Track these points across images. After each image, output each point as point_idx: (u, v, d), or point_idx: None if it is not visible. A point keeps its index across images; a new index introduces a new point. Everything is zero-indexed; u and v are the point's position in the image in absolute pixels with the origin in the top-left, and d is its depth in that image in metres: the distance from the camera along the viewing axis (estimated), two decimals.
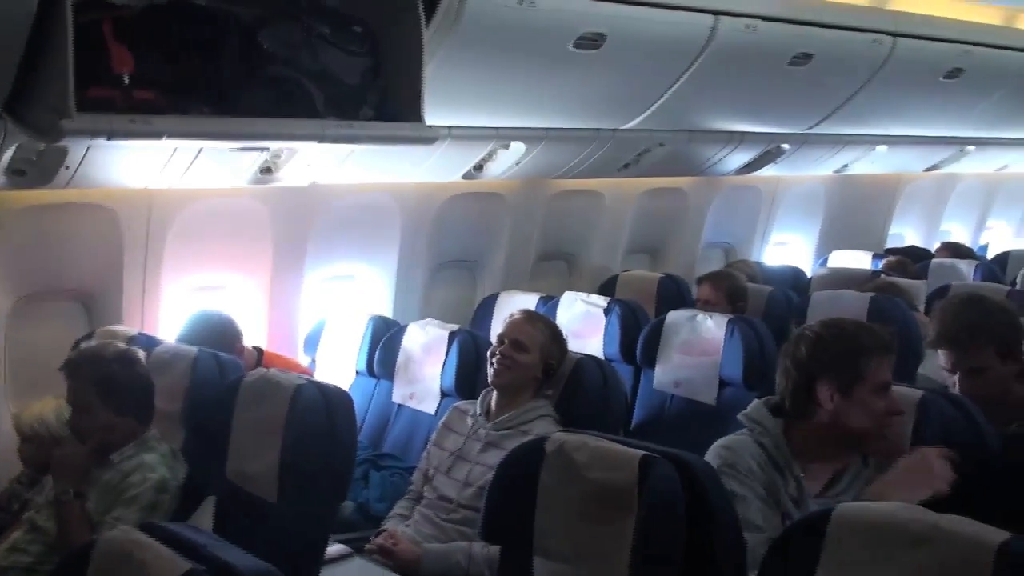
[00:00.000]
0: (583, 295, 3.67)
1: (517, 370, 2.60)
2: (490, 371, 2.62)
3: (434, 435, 2.72)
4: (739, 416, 2.04)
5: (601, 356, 3.30)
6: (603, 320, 3.53)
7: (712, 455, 1.97)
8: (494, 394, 2.65)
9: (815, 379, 1.98)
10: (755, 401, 2.06)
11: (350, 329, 3.46)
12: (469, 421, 2.64)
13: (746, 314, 3.61)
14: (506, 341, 2.63)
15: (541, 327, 2.67)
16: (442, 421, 2.73)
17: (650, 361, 3.32)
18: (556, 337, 2.69)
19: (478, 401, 2.67)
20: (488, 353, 2.68)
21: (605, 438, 1.76)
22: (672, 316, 3.33)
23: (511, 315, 2.73)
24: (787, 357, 2.03)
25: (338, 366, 3.47)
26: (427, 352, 3.16)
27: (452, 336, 3.12)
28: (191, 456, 2.40)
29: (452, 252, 4.01)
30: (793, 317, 3.50)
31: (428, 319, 3.30)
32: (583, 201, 4.36)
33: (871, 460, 2.02)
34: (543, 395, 2.64)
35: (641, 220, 4.72)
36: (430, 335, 3.18)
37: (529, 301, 3.78)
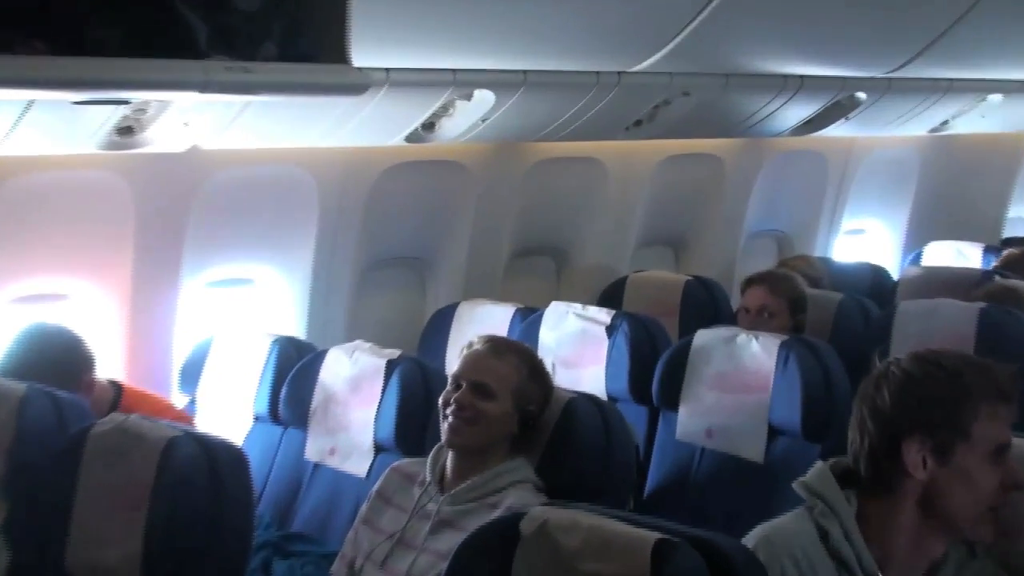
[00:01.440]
0: (577, 307, 3.64)
1: (481, 425, 2.55)
2: (444, 426, 2.58)
3: (364, 509, 2.68)
4: (795, 486, 1.99)
5: (603, 394, 3.26)
6: (605, 342, 3.49)
7: (752, 545, 1.90)
8: (450, 454, 2.61)
9: (901, 437, 1.93)
10: (818, 465, 2.02)
11: (246, 356, 3.45)
12: (415, 491, 2.61)
13: (805, 333, 3.65)
14: (464, 384, 2.59)
15: (514, 361, 2.61)
16: (376, 489, 2.70)
17: (671, 401, 3.29)
18: (536, 374, 2.64)
19: (428, 461, 2.63)
20: (440, 400, 2.62)
21: (606, 514, 1.75)
22: (703, 337, 3.28)
23: (470, 345, 2.66)
24: (864, 403, 1.99)
25: (228, 409, 3.45)
26: (355, 389, 3.12)
27: (391, 366, 3.06)
28: (16, 538, 2.33)
29: (392, 246, 3.98)
30: (872, 337, 3.49)
31: (357, 342, 3.25)
32: (577, 173, 4.34)
33: (980, 547, 2.00)
34: (519, 453, 2.60)
35: (659, 199, 4.70)
36: (360, 365, 3.12)
37: (501, 316, 3.72)
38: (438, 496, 2.54)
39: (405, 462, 2.74)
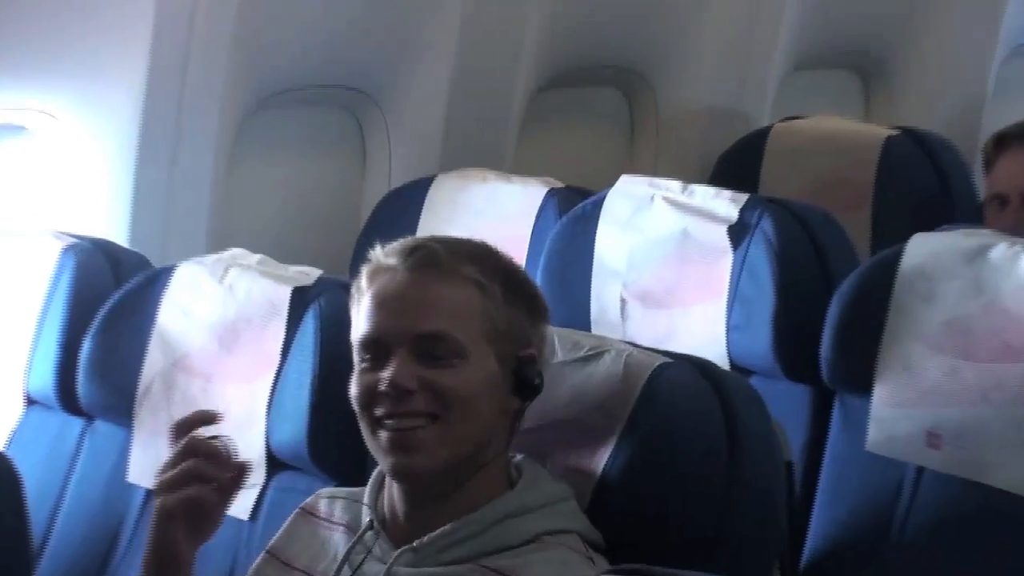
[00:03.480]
0: (671, 186, 3.36)
1: (452, 416, 2.24)
2: (377, 443, 2.12)
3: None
4: None
5: (723, 361, 3.08)
6: (728, 259, 3.20)
7: None
8: (398, 489, 2.26)
9: None
10: None
11: (11, 278, 3.21)
12: (339, 538, 2.38)
13: None
14: (394, 350, 2.13)
15: (469, 273, 2.23)
16: (275, 542, 2.47)
17: (858, 376, 2.89)
18: (514, 286, 2.25)
19: (367, 494, 2.39)
20: (355, 394, 2.08)
21: None
22: (922, 249, 2.87)
23: (376, 269, 2.17)
24: None
25: None
26: (231, 344, 2.81)
27: (304, 298, 2.74)
28: None
29: (299, 65, 3.79)
30: None
31: (234, 252, 2.92)
32: None
33: None
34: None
35: None
36: (241, 296, 2.82)
37: (517, 201, 3.63)
38: (386, 549, 2.32)
39: (329, 492, 2.48)
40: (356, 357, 2.32)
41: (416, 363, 2.24)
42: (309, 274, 2.83)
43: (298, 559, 2.40)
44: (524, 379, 2.30)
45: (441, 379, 2.21)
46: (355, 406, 2.31)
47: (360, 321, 2.32)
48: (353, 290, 2.40)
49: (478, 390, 2.26)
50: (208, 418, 2.43)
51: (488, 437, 2.28)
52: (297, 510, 2.44)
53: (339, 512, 2.43)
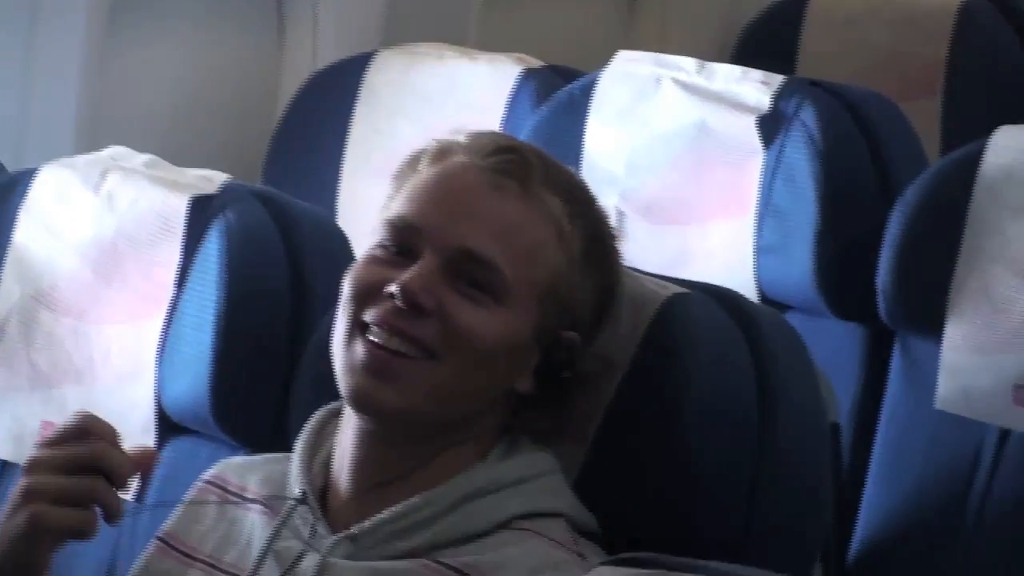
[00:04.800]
0: (684, 63, 3.32)
1: (453, 360, 2.24)
2: (353, 355, 2.20)
3: (136, 572, 2.35)
4: None
5: (752, 293, 3.07)
6: (758, 160, 3.16)
7: None
8: (354, 433, 2.25)
9: None
10: None
11: None
12: (255, 518, 2.35)
13: None
14: (428, 252, 2.25)
15: (554, 208, 2.32)
16: (167, 527, 2.41)
17: (925, 312, 2.95)
18: (599, 242, 2.33)
19: (298, 452, 2.32)
20: (350, 286, 2.24)
21: None
22: (1008, 145, 2.94)
23: (441, 153, 2.33)
24: None
25: None
26: (111, 268, 2.75)
27: (207, 209, 2.70)
28: None
29: None
30: None
31: (114, 149, 2.86)
32: None
33: None
34: (521, 440, 2.34)
35: None
36: (123, 207, 2.75)
37: (481, 83, 3.62)
38: (322, 533, 2.22)
39: (239, 461, 2.39)
40: (372, 240, 2.24)
41: (444, 281, 2.14)
42: (212, 179, 2.69)
43: (201, 547, 2.29)
44: (552, 364, 2.22)
45: (464, 314, 2.16)
46: (342, 298, 2.21)
47: (398, 199, 2.25)
48: (404, 165, 2.31)
49: (498, 347, 2.18)
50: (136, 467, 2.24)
51: (481, 408, 2.21)
52: (197, 483, 2.32)
53: (255, 484, 2.31)
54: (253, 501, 2.31)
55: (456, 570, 2.10)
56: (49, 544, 2.23)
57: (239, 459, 2.42)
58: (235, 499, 2.34)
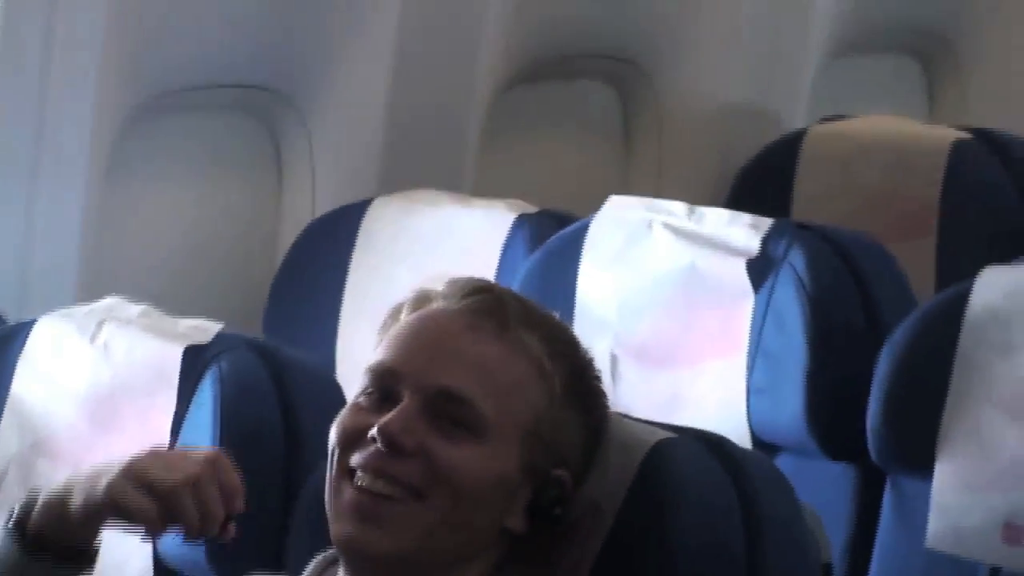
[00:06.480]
0: (675, 208, 3.37)
1: (439, 501, 2.27)
2: (340, 500, 2.28)
3: None
4: None
5: (742, 438, 3.09)
6: (748, 303, 3.22)
7: None
8: None
9: None
10: None
11: None
12: None
13: None
14: (407, 393, 2.28)
15: (533, 347, 2.35)
16: None
17: (916, 450, 3.01)
18: (580, 381, 2.35)
19: None
20: (336, 433, 2.31)
21: None
22: (999, 285, 3.01)
23: (420, 298, 2.40)
24: None
25: None
26: (106, 421, 2.85)
27: (203, 360, 2.79)
28: None
29: (200, 58, 3.81)
30: None
31: (109, 300, 2.95)
32: None
33: None
34: (520, 571, 2.36)
35: None
36: (119, 359, 2.85)
37: (478, 229, 3.66)
38: None
39: None
40: (357, 388, 2.34)
41: (424, 421, 2.22)
42: (206, 329, 2.80)
43: None
44: (543, 502, 2.27)
45: (445, 451, 2.23)
46: (330, 446, 2.30)
47: (380, 348, 2.33)
48: (387, 317, 2.41)
49: (483, 484, 2.24)
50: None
51: (473, 548, 2.28)
52: None
53: None
54: None
55: None
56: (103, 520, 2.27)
57: None
58: None
